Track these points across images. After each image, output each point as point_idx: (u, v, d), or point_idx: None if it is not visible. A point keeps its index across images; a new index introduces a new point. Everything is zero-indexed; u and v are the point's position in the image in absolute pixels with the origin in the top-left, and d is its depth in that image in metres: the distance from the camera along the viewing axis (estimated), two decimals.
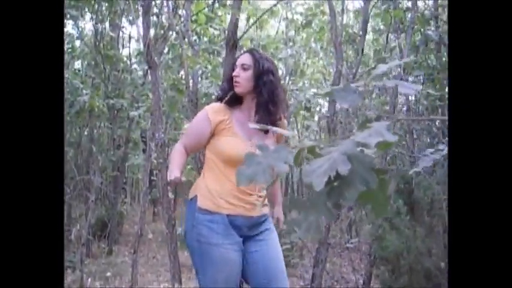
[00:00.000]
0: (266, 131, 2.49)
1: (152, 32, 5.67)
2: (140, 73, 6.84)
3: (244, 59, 2.49)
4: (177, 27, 3.77)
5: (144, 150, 6.57)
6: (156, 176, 7.13)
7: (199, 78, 4.10)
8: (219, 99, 2.53)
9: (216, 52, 5.83)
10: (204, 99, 4.87)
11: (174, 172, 2.28)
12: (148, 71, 3.12)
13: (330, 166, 0.79)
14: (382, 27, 6.13)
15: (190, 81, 3.73)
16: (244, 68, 2.45)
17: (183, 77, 4.39)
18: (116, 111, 6.37)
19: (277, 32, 8.15)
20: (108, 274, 5.51)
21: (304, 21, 5.22)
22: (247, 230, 2.41)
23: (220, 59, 4.06)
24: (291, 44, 7.23)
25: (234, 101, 2.49)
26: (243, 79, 2.44)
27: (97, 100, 5.46)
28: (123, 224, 7.87)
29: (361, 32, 3.49)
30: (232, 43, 3.16)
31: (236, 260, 2.36)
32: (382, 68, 1.12)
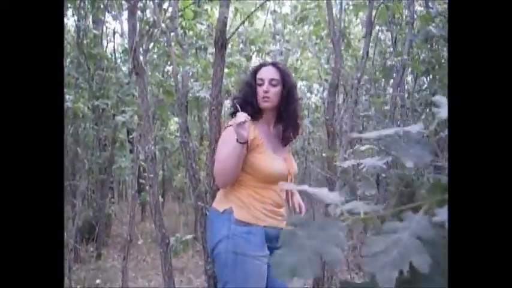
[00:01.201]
0: (285, 144, 2.65)
1: (137, 27, 5.44)
2: (125, 70, 6.59)
3: (272, 73, 2.53)
4: (163, 24, 3.51)
5: (131, 151, 6.34)
6: (144, 179, 6.90)
7: (189, 80, 3.87)
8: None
9: (203, 47, 5.62)
10: (197, 103, 4.67)
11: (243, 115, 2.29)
12: (134, 75, 2.84)
13: (400, 255, 0.57)
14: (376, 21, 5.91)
15: (179, 82, 3.48)
16: (273, 83, 2.51)
17: (172, 76, 4.17)
18: (101, 111, 6.11)
19: (264, 25, 7.92)
20: (98, 281, 5.30)
21: (298, 16, 4.98)
22: (275, 242, 2.30)
23: (211, 58, 3.82)
24: (279, 38, 7.01)
25: (257, 115, 2.52)
26: (273, 94, 2.51)
27: (81, 102, 5.20)
28: (111, 225, 7.61)
29: (364, 32, 3.23)
30: (222, 42, 2.93)
31: (266, 272, 2.40)
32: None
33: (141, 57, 2.76)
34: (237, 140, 2.31)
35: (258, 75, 2.57)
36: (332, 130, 3.16)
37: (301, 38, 6.39)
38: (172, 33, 3.75)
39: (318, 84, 6.24)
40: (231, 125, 2.41)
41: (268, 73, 2.55)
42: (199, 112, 7.15)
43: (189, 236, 3.55)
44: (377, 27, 5.56)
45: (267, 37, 7.17)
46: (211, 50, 4.52)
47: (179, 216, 9.10)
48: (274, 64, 2.64)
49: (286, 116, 2.58)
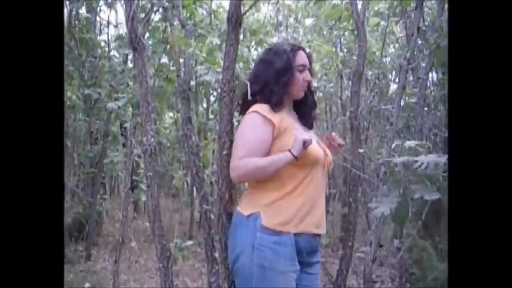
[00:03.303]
0: (310, 127, 2.38)
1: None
2: (120, 59, 6.07)
3: (308, 61, 2.26)
4: (165, 1, 3.00)
5: (124, 145, 5.83)
6: (138, 176, 6.38)
7: (193, 64, 3.35)
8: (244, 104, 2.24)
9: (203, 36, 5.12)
10: (201, 89, 4.19)
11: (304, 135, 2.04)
12: (130, 57, 2.30)
13: None
14: (385, 10, 5.44)
15: (182, 68, 2.98)
16: (311, 72, 2.27)
17: (171, 63, 3.67)
18: (92, 102, 5.58)
19: (265, 17, 7.44)
20: (87, 285, 4.79)
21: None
22: (306, 256, 2.12)
23: (217, 41, 3.31)
24: (282, 29, 6.53)
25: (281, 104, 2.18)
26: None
27: (70, 90, 4.67)
28: (102, 223, 7.08)
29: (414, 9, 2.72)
30: (236, 19, 2.44)
31: None
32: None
33: (140, 29, 2.23)
34: (294, 155, 2.00)
35: (298, 61, 2.23)
36: (357, 123, 2.68)
37: (314, 24, 5.86)
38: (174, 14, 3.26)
39: (335, 73, 5.72)
40: (257, 112, 2.09)
41: (306, 60, 2.26)
42: (196, 105, 6.66)
43: (189, 242, 3.05)
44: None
45: (268, 28, 6.70)
46: (211, 38, 4.01)
47: (173, 213, 8.62)
48: (304, 50, 2.33)
49: (305, 106, 2.34)
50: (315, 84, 2.77)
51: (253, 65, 2.81)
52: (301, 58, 2.23)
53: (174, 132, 7.96)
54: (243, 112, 2.27)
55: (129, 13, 2.10)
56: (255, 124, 2.08)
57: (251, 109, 2.13)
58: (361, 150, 2.23)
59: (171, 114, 7.93)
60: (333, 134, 2.44)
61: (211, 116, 7.22)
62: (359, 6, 3.05)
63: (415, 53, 4.81)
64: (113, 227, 7.41)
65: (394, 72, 6.25)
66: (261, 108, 2.12)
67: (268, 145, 2.08)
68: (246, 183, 2.27)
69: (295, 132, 2.07)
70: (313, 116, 2.37)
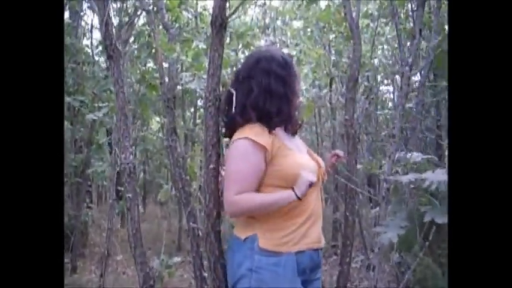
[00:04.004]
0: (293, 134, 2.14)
1: (116, 21, 4.70)
2: (103, 65, 5.83)
3: None
4: (149, 5, 2.80)
5: (110, 153, 5.59)
6: (124, 181, 6.13)
7: (178, 70, 3.14)
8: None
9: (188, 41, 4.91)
10: (187, 96, 3.96)
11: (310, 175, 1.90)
12: (109, 62, 2.09)
13: None
14: (375, 12, 5.28)
15: (166, 75, 2.78)
16: None
17: (156, 69, 3.46)
18: (76, 109, 5.34)
19: (252, 19, 7.25)
20: None
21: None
22: (309, 273, 1.99)
23: (203, 45, 3.10)
24: (269, 32, 6.34)
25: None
26: None
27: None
28: (88, 234, 6.83)
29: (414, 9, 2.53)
30: (220, 23, 2.24)
31: None
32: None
33: (115, 35, 2.01)
34: (298, 197, 1.88)
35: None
36: (353, 132, 2.49)
37: (303, 26, 5.65)
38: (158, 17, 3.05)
39: (325, 77, 5.52)
40: (247, 139, 1.89)
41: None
42: (183, 111, 6.43)
43: (176, 259, 2.84)
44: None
45: (255, 31, 6.50)
46: (197, 42, 3.80)
47: (161, 220, 8.38)
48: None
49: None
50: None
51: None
52: (295, 68, 2.09)
53: (161, 137, 7.73)
54: (228, 133, 2.09)
55: (104, 18, 1.89)
56: (246, 152, 1.90)
57: (240, 134, 1.94)
58: (359, 167, 2.07)
59: (158, 119, 7.70)
60: (342, 153, 2.29)
61: (198, 121, 7.01)
62: (352, 8, 2.87)
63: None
64: (99, 237, 7.17)
65: (382, 75, 6.11)
66: (251, 131, 1.93)
67: (262, 173, 1.92)
68: None
69: (302, 172, 1.90)
70: (296, 123, 2.14)
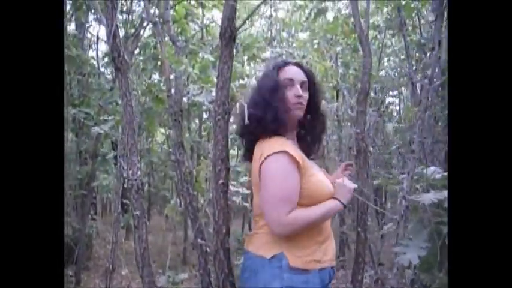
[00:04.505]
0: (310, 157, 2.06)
1: (122, 32, 4.66)
2: (109, 77, 5.79)
3: (301, 75, 1.98)
4: (155, 17, 2.74)
5: (115, 165, 5.52)
6: (131, 198, 6.05)
7: (185, 82, 3.07)
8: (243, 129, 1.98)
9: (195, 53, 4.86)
10: (193, 109, 3.91)
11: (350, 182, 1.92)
12: (116, 74, 2.02)
13: None
14: (381, 24, 5.21)
15: (173, 88, 2.72)
16: (303, 86, 1.96)
17: (162, 82, 3.40)
18: (81, 121, 5.28)
19: (258, 31, 7.22)
20: None
21: (315, 8, 4.19)
22: None
23: (211, 57, 3.04)
24: (275, 44, 6.28)
25: (283, 126, 1.91)
26: (305, 100, 1.97)
27: None
28: (92, 246, 6.74)
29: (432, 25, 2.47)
30: (230, 35, 2.18)
31: None
32: None
33: (122, 48, 1.95)
34: (344, 206, 1.88)
35: (284, 75, 1.97)
36: (364, 146, 2.42)
37: (310, 38, 5.59)
38: (164, 30, 2.99)
39: (331, 89, 5.45)
40: (285, 153, 1.80)
41: (297, 74, 1.98)
42: (188, 123, 6.37)
43: (183, 275, 2.76)
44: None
45: (261, 43, 6.45)
46: (203, 54, 3.74)
47: (167, 233, 8.28)
48: (298, 64, 2.06)
49: (311, 130, 2.07)
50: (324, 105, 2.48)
51: (249, 81, 2.57)
52: (287, 73, 1.97)
53: (166, 148, 7.67)
54: (248, 155, 2.02)
55: (111, 29, 1.82)
56: (288, 167, 1.81)
57: (277, 147, 1.83)
58: (376, 182, 1.99)
59: (162, 130, 7.65)
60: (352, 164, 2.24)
61: (203, 133, 6.94)
62: (362, 20, 2.81)
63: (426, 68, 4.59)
64: (104, 249, 7.08)
65: (387, 87, 6.04)
66: (277, 141, 1.86)
67: (299, 188, 1.84)
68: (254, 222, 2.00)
69: (339, 181, 1.90)
70: (310, 151, 2.08)
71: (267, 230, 1.92)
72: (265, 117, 1.87)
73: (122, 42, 2.06)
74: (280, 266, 1.82)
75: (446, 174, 1.57)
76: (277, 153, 1.81)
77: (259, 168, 1.84)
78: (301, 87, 1.94)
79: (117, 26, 1.83)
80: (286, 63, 2.03)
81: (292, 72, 1.97)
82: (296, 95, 1.91)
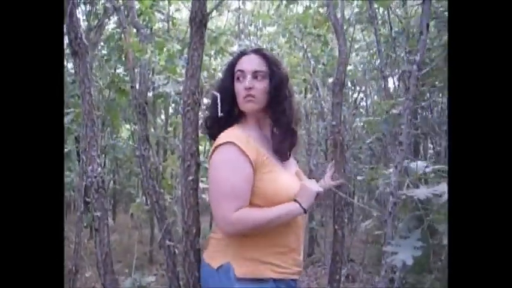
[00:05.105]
0: (284, 159, 1.85)
1: (85, 24, 4.41)
2: (71, 71, 5.51)
3: (255, 64, 1.79)
4: (118, 2, 2.53)
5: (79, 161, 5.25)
6: (91, 197, 5.78)
7: (150, 74, 2.86)
8: (214, 122, 1.83)
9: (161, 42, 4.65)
10: (159, 101, 3.69)
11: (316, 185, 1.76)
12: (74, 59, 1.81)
13: None
14: (350, 18, 5.10)
15: (137, 79, 2.53)
16: (257, 76, 1.77)
17: (126, 73, 3.19)
18: None
19: (225, 25, 7.03)
20: None
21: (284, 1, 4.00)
22: None
23: (178, 46, 2.85)
24: (243, 37, 6.12)
25: (239, 119, 1.84)
26: (259, 92, 1.77)
27: None
28: None
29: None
30: (200, 19, 2.00)
31: None
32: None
33: (81, 29, 1.74)
34: (304, 210, 1.70)
35: (238, 66, 1.82)
36: (341, 139, 2.28)
37: (281, 30, 5.42)
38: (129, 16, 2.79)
39: (302, 83, 5.30)
40: (232, 144, 1.66)
41: (250, 63, 1.80)
42: (154, 117, 6.14)
43: (150, 278, 2.57)
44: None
45: (229, 36, 6.27)
46: (168, 45, 3.54)
47: (132, 230, 8.03)
48: (258, 51, 1.88)
49: (277, 124, 1.83)
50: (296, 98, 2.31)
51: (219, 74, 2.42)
52: (240, 63, 1.82)
53: (132, 144, 7.41)
54: (212, 135, 1.85)
55: (68, 8, 1.62)
56: (235, 160, 1.64)
57: (224, 138, 1.69)
58: (360, 178, 1.85)
59: (128, 126, 7.38)
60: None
61: (169, 129, 6.71)
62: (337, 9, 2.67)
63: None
64: (68, 249, 6.78)
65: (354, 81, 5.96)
66: (229, 133, 1.71)
67: (251, 185, 1.67)
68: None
69: (306, 182, 1.75)
70: (282, 148, 1.84)
71: (218, 236, 1.77)
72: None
73: (85, 31, 1.87)
74: (228, 277, 1.67)
75: (437, 168, 1.44)
76: (222, 144, 1.66)
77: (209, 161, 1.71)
78: (255, 77, 1.76)
79: (74, 3, 1.62)
80: (243, 53, 1.86)
81: (244, 62, 1.80)
82: (245, 87, 1.74)
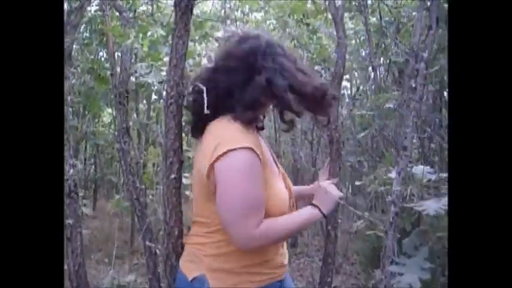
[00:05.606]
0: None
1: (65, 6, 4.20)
2: None
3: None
4: None
5: None
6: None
7: (133, 60, 2.65)
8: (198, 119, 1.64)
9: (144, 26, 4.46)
10: (141, 90, 3.49)
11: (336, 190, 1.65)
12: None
13: None
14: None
15: (118, 66, 2.35)
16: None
17: (108, 59, 3.00)
18: None
19: (211, 9, 6.83)
20: None
21: None
22: None
23: (163, 32, 2.66)
24: (230, 22, 5.96)
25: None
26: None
27: None
28: None
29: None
30: (186, 3, 1.83)
31: None
32: None
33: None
34: (324, 215, 1.58)
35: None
36: (337, 136, 2.14)
37: (276, 17, 5.23)
38: None
39: None
40: (249, 149, 1.42)
41: None
42: (137, 105, 5.92)
43: (129, 277, 2.43)
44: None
45: (215, 22, 6.08)
46: (152, 30, 3.34)
47: (112, 217, 7.84)
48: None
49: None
50: None
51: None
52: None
53: (113, 129, 7.18)
54: (195, 132, 1.66)
55: None
56: (256, 169, 1.42)
57: (236, 140, 1.43)
58: (358, 183, 1.72)
59: (110, 110, 7.15)
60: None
61: (152, 114, 6.50)
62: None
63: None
64: None
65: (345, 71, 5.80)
66: (245, 138, 1.45)
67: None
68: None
69: (325, 185, 1.62)
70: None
71: (192, 239, 1.63)
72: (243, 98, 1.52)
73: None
74: None
75: (444, 176, 1.30)
76: (238, 149, 1.41)
77: (213, 165, 1.43)
78: None
79: None
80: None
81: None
82: None
